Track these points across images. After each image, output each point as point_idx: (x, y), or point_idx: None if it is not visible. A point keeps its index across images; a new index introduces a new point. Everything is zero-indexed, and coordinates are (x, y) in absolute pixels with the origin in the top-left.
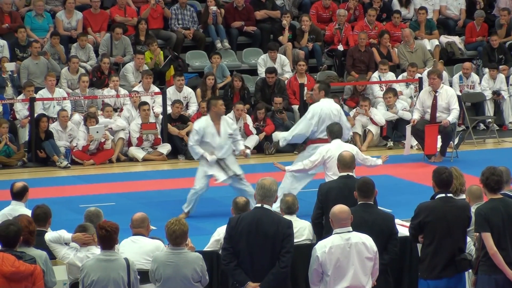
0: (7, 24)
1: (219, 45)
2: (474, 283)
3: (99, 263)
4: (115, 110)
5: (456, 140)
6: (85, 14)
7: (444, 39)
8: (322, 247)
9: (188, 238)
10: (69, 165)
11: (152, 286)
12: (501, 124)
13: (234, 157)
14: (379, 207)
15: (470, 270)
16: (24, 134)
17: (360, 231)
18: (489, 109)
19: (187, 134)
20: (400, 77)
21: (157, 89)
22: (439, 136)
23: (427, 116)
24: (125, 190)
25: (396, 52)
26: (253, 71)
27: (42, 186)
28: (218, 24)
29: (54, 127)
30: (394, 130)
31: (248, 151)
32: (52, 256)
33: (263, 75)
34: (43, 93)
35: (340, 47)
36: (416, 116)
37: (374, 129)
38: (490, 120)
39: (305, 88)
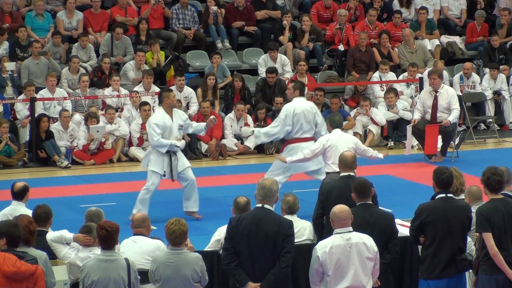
0: (7, 24)
1: (219, 45)
2: (475, 283)
3: (99, 263)
4: (116, 110)
5: (457, 140)
6: (85, 14)
7: (445, 39)
8: (322, 247)
9: (188, 238)
10: (69, 165)
11: (152, 286)
12: (501, 124)
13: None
14: (379, 207)
15: (471, 270)
16: (25, 134)
17: (361, 231)
18: (490, 109)
19: (188, 135)
20: (400, 77)
21: (157, 89)
22: (439, 136)
23: (428, 116)
24: (125, 190)
25: (396, 52)
26: (253, 71)
27: (42, 186)
28: (219, 24)
29: (56, 127)
30: (394, 130)
31: (212, 117)
32: (52, 256)
33: (264, 75)
34: (44, 93)
35: (341, 47)
36: (416, 116)
37: (374, 129)
38: (490, 120)
39: (306, 88)
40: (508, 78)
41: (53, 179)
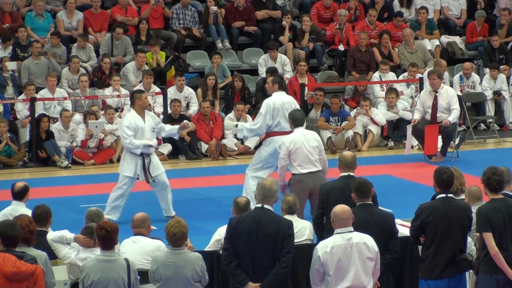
0: (7, 24)
1: (219, 45)
2: (475, 283)
3: (99, 263)
4: (116, 110)
5: (457, 140)
6: (85, 14)
7: (445, 39)
8: (323, 247)
9: (188, 238)
10: (69, 165)
11: (152, 286)
12: (501, 124)
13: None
14: (379, 207)
15: (471, 270)
16: (25, 134)
17: (361, 231)
18: (490, 109)
19: (188, 134)
20: (400, 77)
21: (157, 89)
22: (439, 136)
23: (428, 116)
24: None
25: (396, 52)
26: (253, 71)
27: (42, 186)
28: (219, 24)
29: (56, 127)
30: (395, 130)
31: (185, 121)
32: (52, 256)
33: (264, 75)
34: (44, 93)
35: (341, 47)
36: (416, 116)
37: (375, 129)
38: (490, 120)
39: (306, 88)
40: (508, 78)
41: (53, 179)
